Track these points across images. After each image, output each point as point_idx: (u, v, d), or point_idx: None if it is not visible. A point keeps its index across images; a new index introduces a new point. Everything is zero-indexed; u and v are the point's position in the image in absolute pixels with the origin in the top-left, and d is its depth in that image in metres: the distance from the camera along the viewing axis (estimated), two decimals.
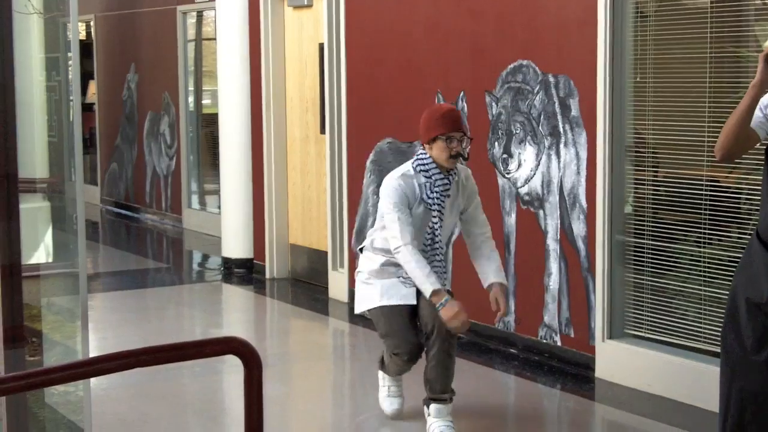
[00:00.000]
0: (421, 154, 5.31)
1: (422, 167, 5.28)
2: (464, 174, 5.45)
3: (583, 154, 6.34)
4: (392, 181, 5.28)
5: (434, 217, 5.29)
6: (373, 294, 5.41)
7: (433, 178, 5.26)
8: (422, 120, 5.34)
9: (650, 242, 6.08)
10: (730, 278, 5.68)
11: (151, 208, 13.12)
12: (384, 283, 5.38)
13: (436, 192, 5.27)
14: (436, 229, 5.32)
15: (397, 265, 5.31)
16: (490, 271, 5.47)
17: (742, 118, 3.99)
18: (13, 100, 4.57)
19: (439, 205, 5.28)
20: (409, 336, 5.29)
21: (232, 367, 6.25)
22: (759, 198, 5.60)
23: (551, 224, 6.60)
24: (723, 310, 5.71)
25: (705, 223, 5.78)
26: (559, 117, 6.48)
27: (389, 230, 5.21)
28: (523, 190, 6.77)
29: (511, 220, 6.88)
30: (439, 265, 5.34)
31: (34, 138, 7.04)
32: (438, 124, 5.22)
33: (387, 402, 5.64)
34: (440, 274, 5.29)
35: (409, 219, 5.20)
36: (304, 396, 6.37)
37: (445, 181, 5.29)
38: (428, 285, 5.11)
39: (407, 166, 5.34)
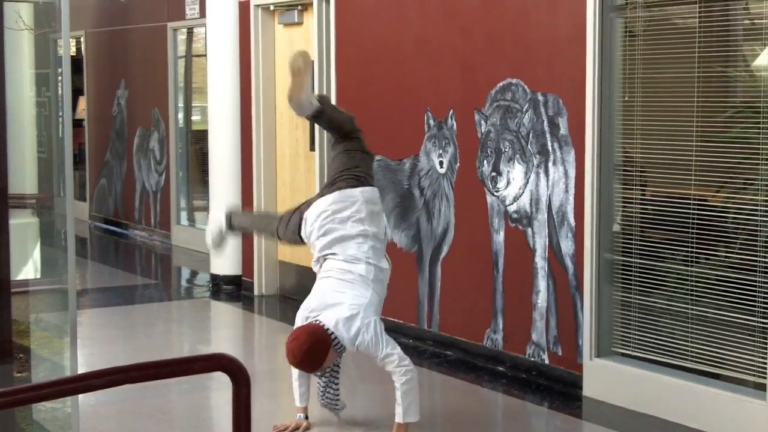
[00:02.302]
0: None
1: None
2: None
3: (572, 173, 6.37)
4: None
5: None
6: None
7: None
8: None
9: (638, 261, 6.10)
10: (718, 297, 5.70)
11: (140, 225, 13.11)
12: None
13: None
14: None
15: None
16: None
17: None
18: (4, 116, 4.58)
19: None
20: None
21: (220, 384, 6.25)
22: (746, 217, 5.63)
23: (539, 242, 6.61)
24: (710, 329, 5.73)
25: (692, 242, 5.80)
26: (548, 135, 6.51)
27: (392, 357, 5.33)
28: (512, 208, 6.79)
29: (499, 237, 6.89)
30: None
31: (24, 154, 7.05)
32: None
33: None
34: None
35: None
36: (292, 413, 6.36)
37: None
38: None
39: None
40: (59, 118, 7.30)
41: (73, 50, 15.11)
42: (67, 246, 4.68)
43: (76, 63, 14.58)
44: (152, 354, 7.18)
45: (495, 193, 6.90)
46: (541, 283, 6.62)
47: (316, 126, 8.54)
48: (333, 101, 8.32)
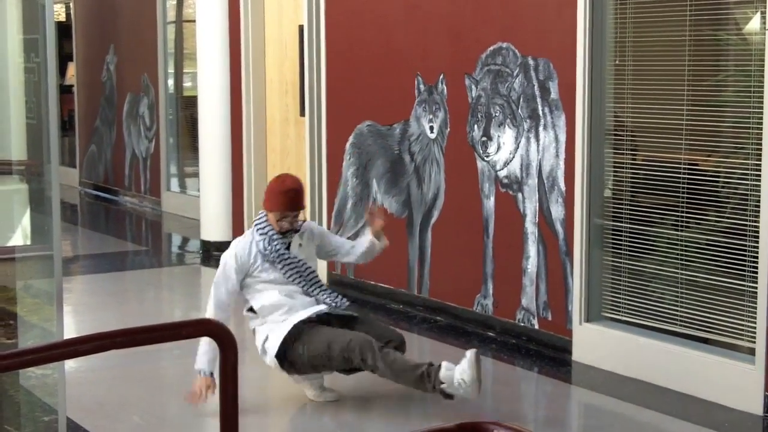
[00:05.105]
0: (262, 217, 5.67)
1: (260, 230, 5.63)
2: (309, 228, 5.83)
3: (562, 137, 6.35)
4: (228, 253, 5.67)
5: (287, 265, 5.60)
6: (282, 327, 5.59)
7: (270, 235, 5.61)
8: (267, 189, 5.70)
9: (628, 226, 6.09)
10: (707, 262, 5.70)
11: (130, 191, 13.07)
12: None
13: (274, 246, 5.59)
14: (301, 271, 5.63)
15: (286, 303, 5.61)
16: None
17: None
18: None
19: (281, 257, 5.60)
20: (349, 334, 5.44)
21: None
22: (736, 182, 5.61)
23: (530, 207, 6.60)
24: (700, 294, 5.73)
25: (683, 207, 5.80)
26: (539, 100, 6.48)
27: (209, 302, 5.61)
28: (502, 173, 6.77)
29: (489, 203, 6.88)
30: (326, 291, 5.68)
31: (10, 120, 7.00)
32: (276, 201, 5.59)
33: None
34: (332, 297, 5.64)
35: (225, 293, 5.59)
36: (280, 377, 6.37)
37: (283, 239, 5.63)
38: (201, 364, 5.49)
39: (247, 235, 5.70)
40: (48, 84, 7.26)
41: (62, 15, 15.02)
42: (52, 211, 4.66)
43: (65, 28, 14.50)
44: (143, 320, 7.17)
45: (485, 158, 6.88)
46: (531, 249, 6.61)
47: (306, 92, 8.51)
48: (323, 67, 8.29)
